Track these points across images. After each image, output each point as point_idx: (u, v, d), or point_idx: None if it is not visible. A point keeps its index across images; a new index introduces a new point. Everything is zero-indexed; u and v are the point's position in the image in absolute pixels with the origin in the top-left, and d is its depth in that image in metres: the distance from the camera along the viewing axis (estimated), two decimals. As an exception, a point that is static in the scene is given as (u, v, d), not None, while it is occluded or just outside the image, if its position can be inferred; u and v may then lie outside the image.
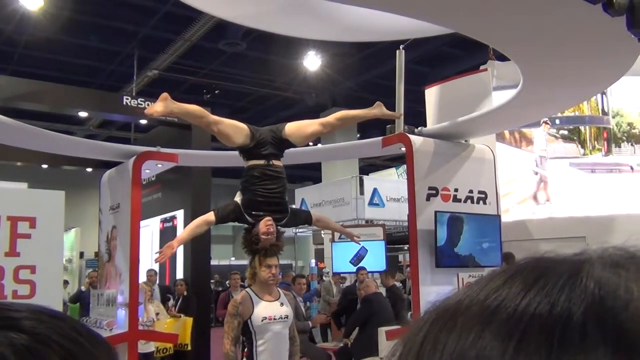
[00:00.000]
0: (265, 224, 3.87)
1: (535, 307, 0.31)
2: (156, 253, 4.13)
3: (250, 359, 3.69)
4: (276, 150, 4.18)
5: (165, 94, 4.03)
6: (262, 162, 4.10)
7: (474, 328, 0.32)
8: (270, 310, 3.75)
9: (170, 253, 4.06)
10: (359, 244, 4.96)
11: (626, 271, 0.33)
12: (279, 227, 3.99)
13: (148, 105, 9.29)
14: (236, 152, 4.37)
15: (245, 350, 3.76)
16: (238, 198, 4.11)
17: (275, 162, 4.15)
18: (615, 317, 0.30)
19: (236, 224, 4.26)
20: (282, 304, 3.84)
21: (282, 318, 3.78)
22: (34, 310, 0.46)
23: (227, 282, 12.65)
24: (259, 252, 3.86)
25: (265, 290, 3.81)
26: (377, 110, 4.52)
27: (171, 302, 8.44)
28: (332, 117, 4.47)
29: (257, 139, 4.14)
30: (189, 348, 7.73)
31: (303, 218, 4.49)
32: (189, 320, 7.79)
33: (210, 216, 4.12)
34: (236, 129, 4.19)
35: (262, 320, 3.69)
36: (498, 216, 5.25)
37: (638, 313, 0.30)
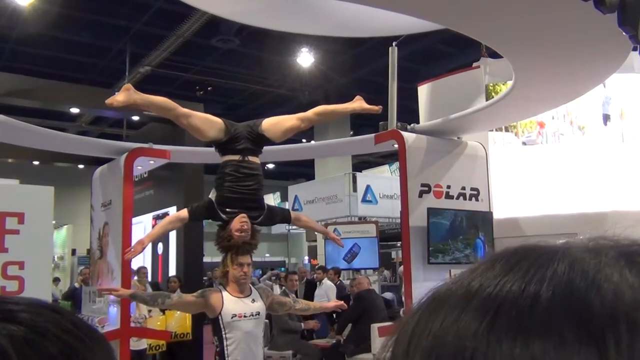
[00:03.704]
0: (240, 221, 3.74)
1: (509, 287, 0.34)
2: (127, 250, 4.02)
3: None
4: (252, 145, 4.05)
5: (128, 85, 3.92)
6: (236, 157, 3.97)
7: (456, 309, 0.34)
8: (240, 308, 3.63)
9: (140, 249, 3.92)
10: (342, 245, 4.79)
11: (605, 256, 0.35)
12: (254, 225, 3.86)
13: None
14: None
15: (217, 349, 3.66)
16: (212, 195, 3.99)
17: (251, 158, 4.02)
18: (582, 296, 0.32)
19: None
20: (253, 300, 3.71)
21: (253, 315, 3.65)
22: (32, 304, 0.46)
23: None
24: (231, 249, 3.74)
25: (236, 288, 3.69)
26: (357, 104, 4.40)
27: None
28: (310, 112, 4.35)
29: (231, 134, 4.01)
30: (190, 337, 7.74)
31: (281, 217, 4.31)
32: None
33: (184, 213, 4.00)
34: (208, 122, 4.07)
35: (231, 317, 3.58)
36: (490, 212, 5.27)
37: (607, 294, 0.32)
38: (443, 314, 0.34)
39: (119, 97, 3.86)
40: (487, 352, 0.31)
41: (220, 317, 3.59)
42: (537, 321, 0.31)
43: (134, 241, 5.08)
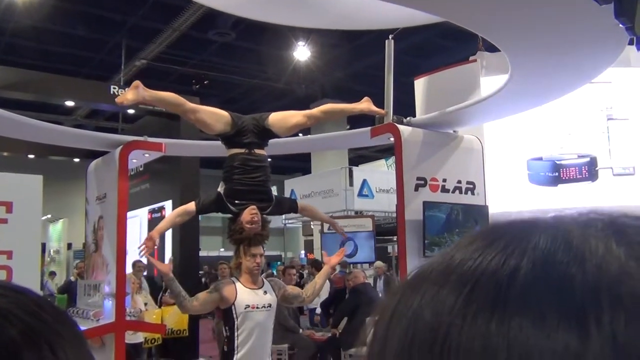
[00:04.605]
0: (250, 213, 3.80)
1: (488, 261, 0.32)
2: (141, 249, 4.02)
3: (231, 349, 3.64)
4: (258, 139, 4.11)
5: (137, 82, 3.95)
6: (243, 150, 4.03)
7: (436, 284, 0.33)
8: (253, 299, 3.71)
9: (152, 245, 3.93)
10: (346, 236, 4.79)
11: (592, 228, 0.33)
12: (264, 216, 3.92)
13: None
14: (223, 142, 4.30)
15: (226, 339, 3.72)
16: (221, 188, 4.04)
17: (258, 151, 4.08)
18: (563, 270, 0.30)
19: (226, 215, 4.18)
20: (265, 292, 3.79)
21: (265, 307, 3.73)
22: None
23: (216, 272, 12.65)
24: (243, 241, 3.81)
25: (249, 279, 3.78)
26: (364, 105, 4.48)
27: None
28: (317, 110, 4.41)
29: (238, 127, 4.06)
30: (187, 333, 7.76)
31: (288, 206, 4.40)
32: None
33: (191, 206, 4.05)
34: (215, 116, 4.11)
35: (245, 308, 3.65)
36: (486, 206, 5.27)
37: (590, 267, 0.30)
38: (423, 291, 0.33)
39: (129, 96, 3.91)
40: (462, 328, 0.30)
41: (233, 307, 3.66)
42: (515, 296, 0.30)
43: (129, 235, 5.07)
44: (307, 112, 4.40)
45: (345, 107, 4.59)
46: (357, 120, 13.57)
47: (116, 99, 4.05)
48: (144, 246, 3.96)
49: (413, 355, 0.31)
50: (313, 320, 8.79)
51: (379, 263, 9.81)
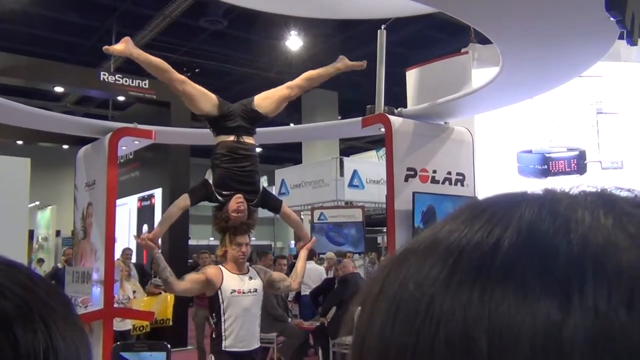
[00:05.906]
0: (236, 202, 3.79)
1: (474, 232, 0.32)
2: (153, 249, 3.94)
3: (219, 335, 3.66)
4: (247, 123, 4.09)
5: (127, 38, 4.06)
6: (231, 137, 4.01)
7: (421, 257, 0.33)
8: (239, 284, 3.73)
9: (155, 245, 3.91)
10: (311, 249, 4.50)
11: (583, 199, 0.32)
12: (250, 205, 3.91)
13: (126, 82, 9.21)
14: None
15: (214, 326, 3.73)
16: (209, 176, 4.02)
17: (246, 139, 4.06)
18: (548, 240, 0.30)
19: (215, 203, 4.14)
20: (251, 278, 3.81)
21: (251, 291, 3.74)
22: None
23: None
24: (228, 230, 3.81)
25: (234, 267, 3.79)
26: (341, 64, 4.55)
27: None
28: (298, 79, 4.44)
29: (224, 111, 4.06)
30: (170, 323, 7.74)
31: (272, 205, 4.30)
32: (171, 296, 7.74)
33: (186, 201, 4.02)
34: (202, 94, 4.11)
35: (231, 293, 3.66)
36: (475, 198, 5.29)
37: (576, 237, 0.30)
38: (409, 264, 0.33)
39: (117, 47, 4.00)
40: (445, 298, 0.30)
41: (220, 292, 3.66)
42: (498, 265, 0.30)
43: (118, 222, 5.06)
44: (289, 83, 4.44)
45: (323, 69, 4.61)
46: (349, 111, 13.55)
47: (104, 47, 4.08)
48: (150, 245, 3.89)
49: (397, 326, 0.31)
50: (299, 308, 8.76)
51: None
